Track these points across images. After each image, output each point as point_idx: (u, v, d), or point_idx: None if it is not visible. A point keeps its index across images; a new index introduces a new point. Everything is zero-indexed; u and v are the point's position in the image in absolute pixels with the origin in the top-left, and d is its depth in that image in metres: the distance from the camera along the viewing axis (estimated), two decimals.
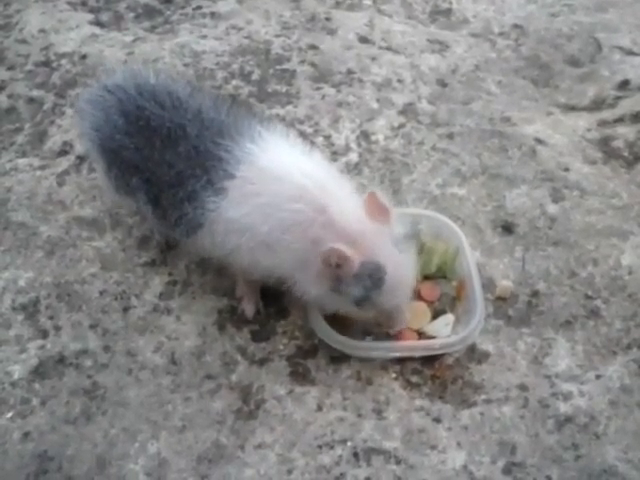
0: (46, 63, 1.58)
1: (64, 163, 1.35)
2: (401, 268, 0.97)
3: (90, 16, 1.73)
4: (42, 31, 1.67)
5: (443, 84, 1.58)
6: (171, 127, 1.01)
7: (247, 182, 0.98)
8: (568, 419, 1.00)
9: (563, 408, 1.01)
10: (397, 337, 1.08)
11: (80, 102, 1.15)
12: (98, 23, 1.72)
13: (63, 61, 1.58)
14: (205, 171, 0.99)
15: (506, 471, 0.95)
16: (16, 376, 1.03)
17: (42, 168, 1.34)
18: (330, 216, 0.94)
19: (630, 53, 1.66)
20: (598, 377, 1.05)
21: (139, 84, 1.07)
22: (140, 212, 1.10)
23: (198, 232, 1.02)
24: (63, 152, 1.37)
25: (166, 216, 1.04)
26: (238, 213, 0.97)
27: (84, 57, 1.59)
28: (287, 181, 0.96)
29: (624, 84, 1.57)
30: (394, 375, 1.05)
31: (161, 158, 1.01)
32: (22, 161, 1.35)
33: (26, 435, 0.98)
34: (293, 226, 0.95)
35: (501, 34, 1.75)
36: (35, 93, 1.50)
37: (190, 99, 1.05)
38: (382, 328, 1.06)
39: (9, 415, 0.99)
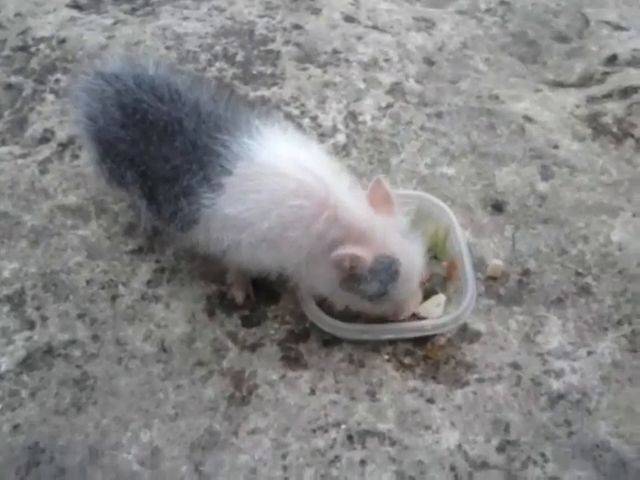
0: (24, 48, 1.55)
1: (46, 151, 1.32)
2: (413, 258, 0.97)
3: None
4: (19, 15, 1.63)
5: (430, 62, 1.56)
6: (168, 121, 0.99)
7: (245, 179, 0.96)
8: (560, 396, 1.00)
9: (555, 385, 1.01)
10: (389, 319, 1.08)
11: (75, 90, 1.12)
12: (76, 6, 1.68)
13: (41, 46, 1.55)
14: (202, 166, 0.97)
15: (500, 449, 0.95)
16: (3, 368, 1.02)
17: (23, 156, 1.31)
18: (335, 211, 0.93)
19: (618, 28, 1.65)
20: (590, 354, 1.05)
21: (137, 75, 1.05)
22: (134, 205, 1.07)
23: (193, 228, 1.00)
24: (44, 139, 1.35)
25: (160, 211, 1.02)
26: (236, 210, 0.95)
27: (63, 41, 1.55)
28: (287, 176, 0.95)
29: (612, 59, 1.56)
30: (386, 357, 1.05)
31: (157, 152, 0.99)
32: (2, 149, 1.32)
33: (16, 427, 0.96)
34: (295, 222, 0.94)
35: (488, 11, 1.73)
36: (13, 79, 1.47)
37: (188, 92, 1.03)
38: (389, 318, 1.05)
39: None
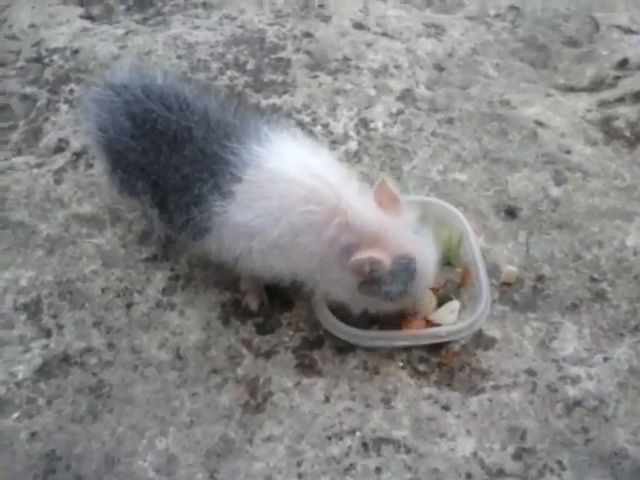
0: (38, 59, 1.56)
1: (60, 160, 1.33)
2: (427, 253, 0.99)
3: (80, 10, 1.71)
4: (32, 26, 1.65)
5: (440, 69, 1.56)
6: (177, 130, 1.00)
7: (255, 185, 0.96)
8: (577, 403, 1.00)
9: (572, 392, 1.01)
10: (404, 325, 1.08)
11: (85, 101, 1.13)
12: (89, 17, 1.69)
13: (55, 56, 1.56)
14: (212, 174, 0.97)
15: (516, 457, 0.94)
16: (21, 376, 1.03)
17: (38, 166, 1.32)
18: (346, 216, 0.93)
19: (628, 31, 1.65)
20: (606, 360, 1.05)
21: (146, 85, 1.05)
22: (145, 215, 1.08)
23: (205, 236, 1.01)
24: (59, 149, 1.36)
25: (172, 220, 1.02)
26: (246, 217, 0.96)
27: (76, 52, 1.57)
28: (296, 183, 0.95)
29: (623, 63, 1.56)
30: (401, 364, 1.05)
31: (167, 161, 1.00)
32: (18, 159, 1.34)
33: (33, 435, 0.97)
34: (306, 228, 0.94)
35: (497, 16, 1.73)
36: (28, 90, 1.49)
37: (197, 101, 1.04)
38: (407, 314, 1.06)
39: (15, 415, 0.99)
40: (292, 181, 0.96)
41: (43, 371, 1.04)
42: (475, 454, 0.95)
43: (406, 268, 0.95)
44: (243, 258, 1.00)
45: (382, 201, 0.98)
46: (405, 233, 0.97)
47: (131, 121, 1.02)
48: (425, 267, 0.98)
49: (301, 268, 0.98)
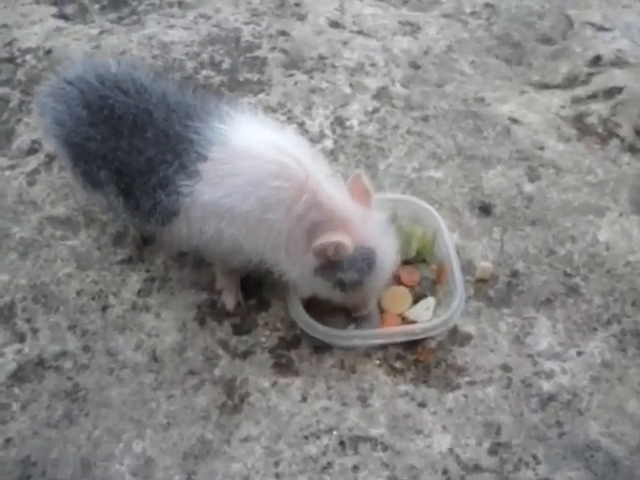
0: (10, 59, 1.54)
1: (33, 162, 1.32)
2: (388, 252, 0.98)
3: (54, 9, 1.69)
4: (4, 26, 1.63)
5: (416, 66, 1.56)
6: (137, 113, 0.98)
7: (221, 163, 0.95)
8: (551, 397, 1.01)
9: (546, 386, 1.02)
10: (380, 323, 1.08)
11: (40, 97, 1.11)
12: (62, 16, 1.67)
13: (28, 57, 1.54)
14: (176, 155, 0.96)
15: (492, 452, 0.95)
16: None
17: (11, 168, 1.31)
18: (315, 194, 0.93)
19: (601, 29, 1.67)
20: (579, 354, 1.06)
21: (100, 73, 1.04)
22: (111, 207, 1.07)
23: (173, 220, 0.99)
24: (32, 150, 1.34)
25: (139, 206, 1.00)
26: (215, 196, 0.94)
27: (49, 52, 1.55)
28: (264, 158, 0.94)
29: (596, 60, 1.57)
30: (377, 362, 1.05)
31: (129, 146, 0.98)
32: None
33: (8, 441, 0.96)
34: (275, 204, 0.93)
35: (473, 14, 1.74)
36: (0, 91, 1.47)
37: (154, 84, 1.03)
38: (353, 311, 1.06)
39: None
40: (260, 157, 0.95)
41: (17, 376, 1.03)
42: (451, 450, 0.95)
43: (366, 259, 0.95)
44: (213, 241, 0.99)
45: (355, 194, 0.98)
46: (371, 226, 0.97)
47: (88, 110, 1.01)
48: (384, 264, 0.97)
49: (267, 247, 0.96)
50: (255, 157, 0.95)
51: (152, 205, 0.98)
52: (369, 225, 0.96)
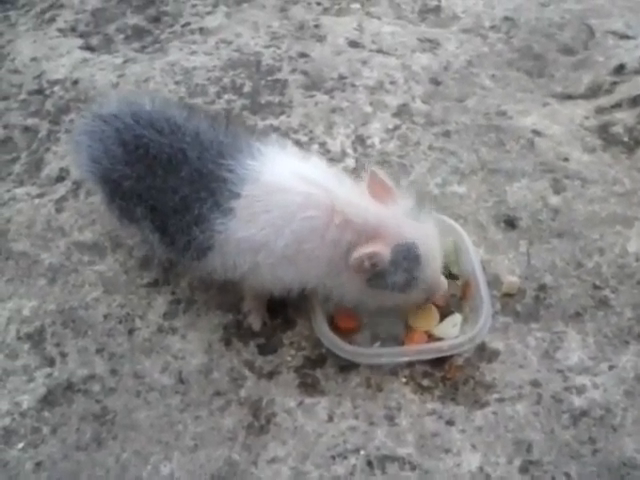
0: (39, 91, 1.59)
1: (61, 189, 1.35)
2: (429, 238, 0.98)
3: (80, 41, 1.74)
4: (34, 59, 1.68)
5: (436, 82, 1.57)
6: (171, 152, 1.01)
7: (254, 200, 0.97)
8: (583, 413, 0.98)
9: (577, 402, 1.00)
10: (407, 340, 1.07)
11: (75, 134, 1.14)
12: (88, 47, 1.72)
13: (56, 88, 1.59)
14: (210, 193, 0.98)
15: (523, 470, 0.93)
16: (25, 406, 1.03)
17: (40, 196, 1.34)
18: (344, 215, 0.94)
19: (624, 37, 1.65)
20: (611, 368, 1.03)
21: (135, 112, 1.06)
22: (146, 240, 1.09)
23: (208, 255, 1.01)
24: (60, 178, 1.38)
25: (174, 242, 1.03)
26: (249, 232, 0.96)
27: (76, 82, 1.59)
28: (292, 191, 0.96)
29: (620, 69, 1.55)
30: (404, 380, 1.04)
31: (164, 184, 1.01)
32: (20, 190, 1.35)
33: (38, 465, 0.97)
34: (310, 234, 0.95)
35: (492, 27, 1.74)
36: (30, 122, 1.51)
37: (187, 123, 1.05)
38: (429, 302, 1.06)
39: (20, 446, 0.99)
40: (287, 190, 0.96)
41: (47, 400, 1.04)
42: (481, 469, 0.93)
43: (407, 255, 0.95)
44: (250, 274, 1.00)
45: (375, 192, 0.98)
46: (402, 221, 0.97)
47: (123, 148, 1.03)
48: (429, 251, 0.98)
49: (310, 275, 0.98)
50: (283, 191, 0.97)
51: (187, 241, 1.01)
52: (400, 221, 0.96)
